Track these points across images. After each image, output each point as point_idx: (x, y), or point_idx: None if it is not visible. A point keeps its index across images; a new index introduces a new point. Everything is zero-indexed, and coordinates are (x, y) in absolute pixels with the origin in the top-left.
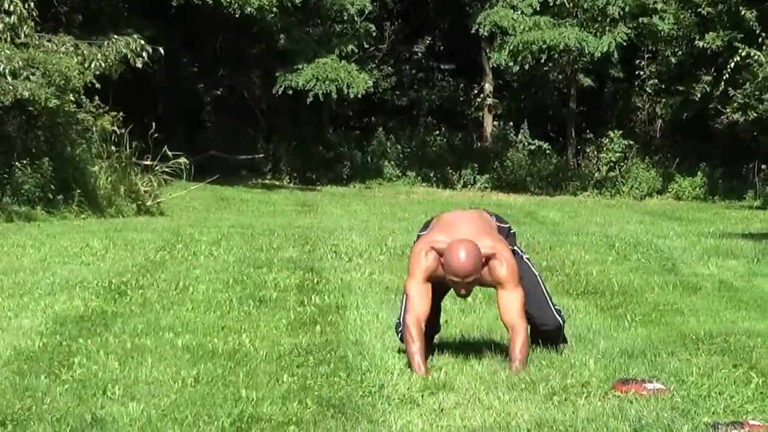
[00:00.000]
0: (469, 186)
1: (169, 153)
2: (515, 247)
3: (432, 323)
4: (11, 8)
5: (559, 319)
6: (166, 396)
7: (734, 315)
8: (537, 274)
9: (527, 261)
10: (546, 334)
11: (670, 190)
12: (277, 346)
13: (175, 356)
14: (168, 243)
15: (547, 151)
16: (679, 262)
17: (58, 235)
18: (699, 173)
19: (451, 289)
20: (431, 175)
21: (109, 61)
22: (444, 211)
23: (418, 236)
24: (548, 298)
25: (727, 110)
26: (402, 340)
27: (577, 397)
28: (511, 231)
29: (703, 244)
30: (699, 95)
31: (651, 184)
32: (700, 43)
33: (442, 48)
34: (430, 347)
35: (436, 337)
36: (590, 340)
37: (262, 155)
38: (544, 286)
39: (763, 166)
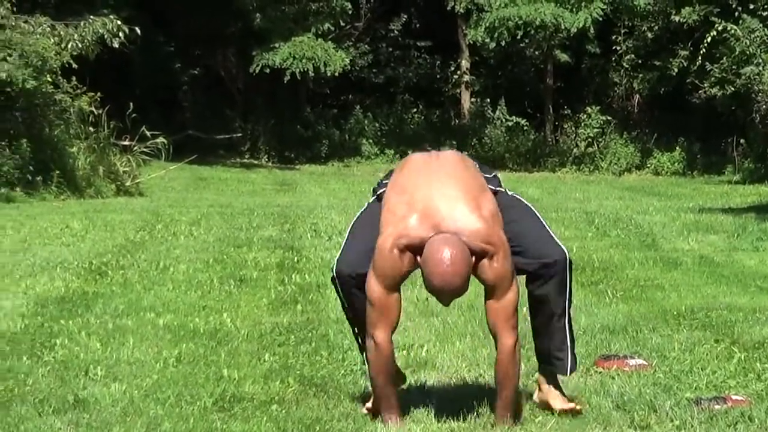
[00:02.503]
0: None
1: (147, 133)
2: (501, 188)
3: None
4: None
5: (564, 249)
6: (148, 376)
7: (715, 290)
8: (531, 206)
9: (517, 196)
10: (546, 274)
11: (648, 165)
12: (258, 325)
13: (157, 336)
14: (148, 223)
15: (525, 128)
16: (659, 237)
17: (38, 216)
18: (677, 148)
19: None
20: (409, 152)
21: (85, 41)
22: (415, 153)
23: (376, 192)
24: (548, 228)
25: (705, 85)
26: (368, 365)
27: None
28: (495, 176)
29: (683, 220)
30: (676, 70)
31: (629, 159)
32: (677, 18)
33: (418, 25)
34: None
35: (416, 317)
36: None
37: (239, 134)
38: (542, 219)
39: (742, 141)
